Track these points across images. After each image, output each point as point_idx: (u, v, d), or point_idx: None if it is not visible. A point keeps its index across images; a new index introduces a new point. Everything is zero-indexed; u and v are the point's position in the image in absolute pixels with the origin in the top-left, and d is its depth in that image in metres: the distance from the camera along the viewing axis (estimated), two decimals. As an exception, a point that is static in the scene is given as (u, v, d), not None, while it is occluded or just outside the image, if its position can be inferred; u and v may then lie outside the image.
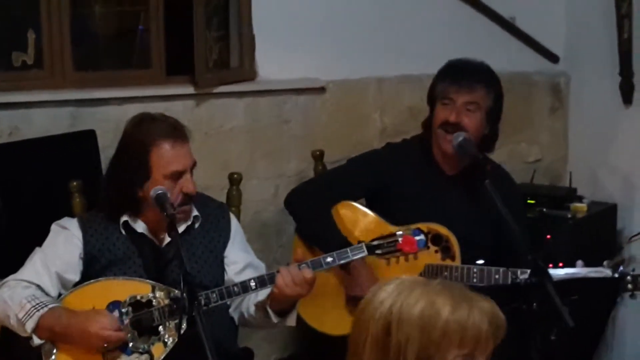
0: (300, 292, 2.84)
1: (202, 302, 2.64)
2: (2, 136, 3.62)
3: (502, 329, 1.70)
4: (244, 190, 3.55)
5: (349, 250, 2.93)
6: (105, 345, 2.76)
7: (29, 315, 2.77)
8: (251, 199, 4.01)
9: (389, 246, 2.90)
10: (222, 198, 3.43)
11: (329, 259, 2.91)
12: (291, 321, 2.99)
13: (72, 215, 3.09)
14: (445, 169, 3.43)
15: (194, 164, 2.95)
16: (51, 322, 2.77)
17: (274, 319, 2.94)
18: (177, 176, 2.88)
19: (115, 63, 4.27)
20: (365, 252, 2.92)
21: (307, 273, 2.82)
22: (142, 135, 2.92)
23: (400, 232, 2.91)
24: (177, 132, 2.93)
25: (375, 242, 2.92)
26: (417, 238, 2.89)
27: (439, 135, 3.34)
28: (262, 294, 2.92)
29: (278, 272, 2.83)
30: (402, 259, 3.19)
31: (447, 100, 3.34)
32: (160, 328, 2.82)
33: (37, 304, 2.79)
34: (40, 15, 3.80)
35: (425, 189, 3.40)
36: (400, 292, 1.70)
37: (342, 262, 2.93)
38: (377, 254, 2.92)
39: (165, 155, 2.87)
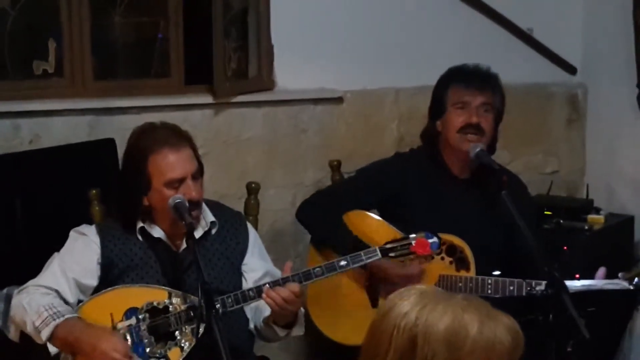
0: (292, 308, 2.86)
1: (220, 309, 2.65)
2: (23, 144, 3.66)
3: (521, 347, 1.69)
4: (262, 200, 3.56)
5: (362, 254, 2.94)
6: None
7: (45, 323, 2.79)
8: (268, 208, 4.02)
9: (402, 249, 2.92)
10: (240, 207, 3.44)
11: (343, 262, 2.92)
12: (297, 331, 3.03)
13: (91, 224, 3.11)
14: (456, 172, 3.44)
15: (198, 169, 2.94)
16: (65, 332, 2.78)
17: (280, 333, 2.98)
18: (177, 184, 2.88)
19: (134, 72, 4.29)
20: (379, 255, 2.94)
21: (293, 287, 2.82)
22: (140, 145, 2.94)
23: (414, 235, 2.93)
24: (174, 139, 2.92)
25: (388, 245, 2.94)
26: (431, 240, 2.91)
27: (457, 140, 3.34)
28: (268, 309, 2.93)
29: (265, 291, 2.83)
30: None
31: (461, 104, 3.35)
32: (177, 333, 2.83)
33: (54, 312, 2.80)
34: (61, 25, 3.84)
35: (437, 194, 3.41)
36: (424, 304, 1.67)
37: (355, 265, 2.94)
38: (391, 257, 2.94)
39: (162, 164, 2.88)
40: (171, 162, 2.88)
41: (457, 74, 3.44)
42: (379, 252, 2.94)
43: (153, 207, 2.94)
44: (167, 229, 2.97)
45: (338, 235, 3.32)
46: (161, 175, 2.88)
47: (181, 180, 2.88)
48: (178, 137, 2.94)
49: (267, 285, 2.85)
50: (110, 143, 3.64)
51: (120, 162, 3.08)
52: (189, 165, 2.91)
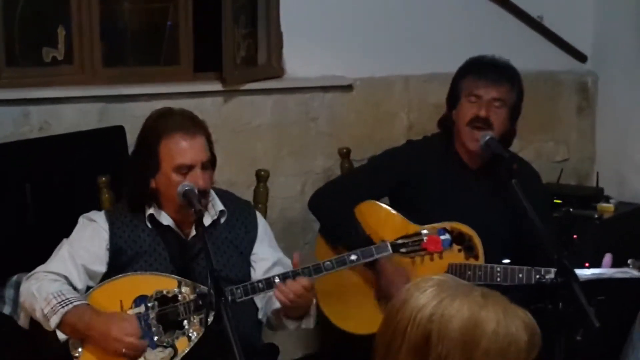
0: (303, 303, 2.85)
1: (229, 298, 2.65)
2: (32, 131, 3.66)
3: (538, 345, 1.65)
4: (271, 187, 3.56)
5: (373, 249, 2.93)
6: (124, 351, 2.77)
7: (53, 311, 2.79)
8: (278, 196, 4.02)
9: (413, 245, 2.90)
10: (249, 195, 3.44)
11: (353, 257, 2.91)
12: (307, 324, 3.00)
13: (100, 210, 3.11)
14: (468, 163, 3.43)
15: (209, 160, 2.94)
16: (74, 320, 2.79)
17: (290, 326, 2.98)
18: (185, 170, 2.88)
19: (143, 59, 4.29)
20: (390, 251, 2.92)
21: (304, 281, 2.81)
22: (155, 127, 2.94)
23: (426, 232, 2.91)
24: (189, 126, 2.92)
25: (399, 241, 2.92)
26: (443, 238, 2.89)
27: (466, 134, 3.33)
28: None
29: (276, 285, 2.82)
30: (426, 258, 3.20)
31: (473, 97, 3.33)
32: (185, 323, 2.84)
33: (63, 300, 2.81)
34: (70, 12, 3.84)
35: (448, 184, 3.40)
36: (441, 299, 1.64)
37: (366, 260, 2.94)
38: (402, 253, 2.92)
39: (174, 148, 2.88)
40: (183, 148, 2.88)
41: (474, 65, 3.41)
42: (390, 248, 2.92)
43: (160, 192, 2.95)
44: (174, 215, 2.97)
45: (351, 233, 3.31)
46: (171, 160, 2.88)
47: (190, 167, 2.88)
48: (194, 125, 2.94)
49: (277, 279, 2.84)
50: (119, 130, 3.64)
51: (132, 145, 3.08)
52: (201, 154, 2.91)
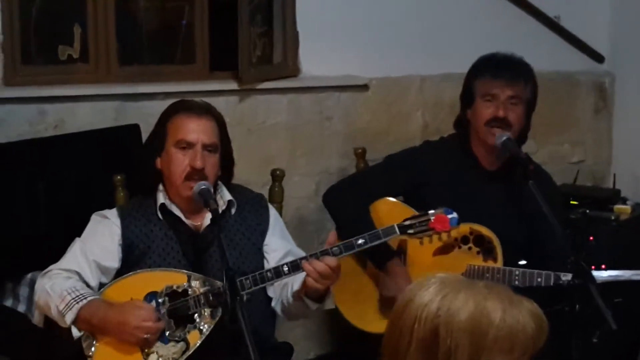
0: (329, 283, 2.81)
1: (244, 296, 2.63)
2: (48, 129, 3.66)
3: (545, 332, 1.66)
4: (285, 187, 3.55)
5: (380, 232, 2.85)
6: (146, 336, 2.78)
7: (68, 307, 2.80)
8: (292, 195, 4.01)
9: (421, 225, 2.82)
10: (264, 194, 3.43)
11: (361, 241, 2.82)
12: (328, 304, 2.96)
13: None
14: (484, 164, 3.41)
15: (214, 145, 2.94)
16: (89, 314, 2.79)
17: (312, 306, 2.91)
18: (184, 144, 2.91)
19: (159, 58, 4.30)
20: (398, 233, 2.84)
21: (330, 261, 2.77)
22: (169, 108, 3.03)
23: (432, 211, 2.82)
24: (199, 108, 2.98)
25: (407, 222, 2.83)
26: (450, 216, 2.80)
27: (484, 133, 3.31)
28: (298, 283, 2.89)
29: (303, 263, 2.78)
30: (444, 259, 3.19)
31: (489, 97, 3.31)
32: (196, 316, 2.83)
33: (77, 296, 2.81)
34: (86, 10, 3.85)
35: (464, 186, 3.38)
36: (445, 294, 1.64)
37: (374, 243, 2.84)
38: (410, 234, 2.83)
39: (179, 124, 2.94)
40: (187, 125, 2.93)
41: (486, 64, 3.39)
42: (397, 230, 2.84)
43: (163, 173, 2.97)
44: (180, 203, 2.98)
45: (361, 230, 3.29)
46: (175, 134, 2.93)
47: (190, 144, 2.91)
48: (205, 110, 2.99)
49: (285, 267, 2.81)
50: (135, 129, 3.64)
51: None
52: (205, 135, 2.93)
